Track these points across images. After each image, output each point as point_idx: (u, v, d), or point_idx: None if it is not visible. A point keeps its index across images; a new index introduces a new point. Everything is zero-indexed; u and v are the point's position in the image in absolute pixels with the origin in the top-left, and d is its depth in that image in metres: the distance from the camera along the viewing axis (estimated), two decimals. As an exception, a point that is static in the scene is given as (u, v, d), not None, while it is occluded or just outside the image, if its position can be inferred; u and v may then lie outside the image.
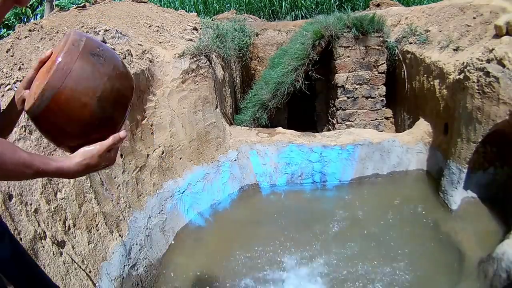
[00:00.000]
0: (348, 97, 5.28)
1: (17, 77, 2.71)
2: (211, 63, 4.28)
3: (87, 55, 0.98)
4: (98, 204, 2.96)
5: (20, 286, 1.54)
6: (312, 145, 4.57)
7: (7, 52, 2.94)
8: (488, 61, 3.42)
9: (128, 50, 3.55)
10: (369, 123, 5.37)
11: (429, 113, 4.63)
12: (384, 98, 5.33)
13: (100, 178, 3.05)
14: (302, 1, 8.60)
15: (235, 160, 4.48)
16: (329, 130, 5.65)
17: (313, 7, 8.62)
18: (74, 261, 2.66)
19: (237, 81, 5.70)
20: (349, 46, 5.13)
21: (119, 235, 3.09)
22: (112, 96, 1.01)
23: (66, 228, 2.69)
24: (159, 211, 3.60)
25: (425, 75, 4.68)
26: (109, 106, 1.01)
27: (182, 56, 3.96)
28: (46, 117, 0.97)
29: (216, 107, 4.35)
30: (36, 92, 0.96)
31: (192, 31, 4.75)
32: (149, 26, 4.29)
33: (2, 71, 2.73)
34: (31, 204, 2.49)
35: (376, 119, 5.39)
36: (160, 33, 4.28)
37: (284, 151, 4.57)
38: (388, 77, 5.33)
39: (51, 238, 2.55)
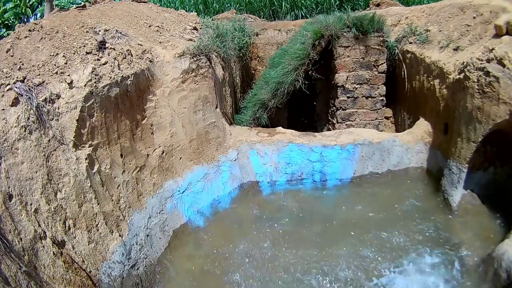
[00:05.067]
0: (348, 97, 5.28)
1: (17, 77, 2.71)
2: (211, 63, 4.28)
3: None
4: (98, 204, 2.96)
5: None
6: (312, 145, 4.57)
7: (7, 52, 2.94)
8: (488, 60, 3.41)
9: (128, 50, 3.55)
10: (369, 122, 5.37)
11: (429, 113, 4.63)
12: (384, 98, 5.33)
13: (100, 178, 3.05)
14: (302, 1, 8.60)
15: (235, 160, 4.48)
16: (329, 129, 5.65)
17: (313, 6, 8.61)
18: (74, 261, 2.66)
19: (237, 81, 5.70)
20: (349, 46, 5.13)
21: (119, 235, 3.09)
22: None
23: (66, 228, 2.70)
24: (159, 211, 3.61)
25: (425, 75, 4.68)
26: None
27: (182, 56, 3.96)
28: None
29: (216, 107, 4.35)
30: None
31: (192, 31, 4.75)
32: (149, 26, 4.29)
33: (2, 71, 2.73)
34: (31, 204, 2.49)
35: (376, 118, 5.39)
36: (160, 33, 4.28)
37: (284, 151, 4.57)
38: (388, 76, 5.32)
39: (51, 238, 2.55)
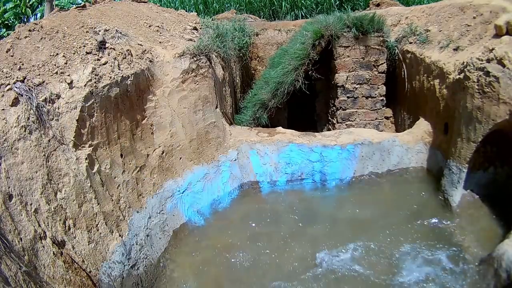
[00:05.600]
0: (348, 97, 5.28)
1: (17, 77, 2.71)
2: (211, 63, 4.28)
3: None
4: (98, 204, 2.96)
5: None
6: (312, 145, 4.57)
7: (7, 52, 2.94)
8: (488, 60, 3.41)
9: (128, 50, 3.55)
10: (369, 122, 5.37)
11: (429, 113, 4.63)
12: (384, 98, 5.33)
13: (100, 178, 3.05)
14: (302, 1, 8.60)
15: (235, 160, 4.48)
16: (329, 129, 5.65)
17: (313, 6, 8.62)
18: (74, 261, 2.66)
19: (237, 80, 5.70)
20: (349, 46, 5.13)
21: (119, 235, 3.09)
22: None
23: (66, 228, 2.70)
24: (159, 211, 3.60)
25: (425, 75, 4.68)
26: None
27: (182, 56, 3.96)
28: None
29: (216, 107, 4.35)
30: None
31: (192, 31, 4.75)
32: (149, 26, 4.29)
33: (2, 71, 2.73)
34: (31, 204, 2.49)
35: (376, 118, 5.39)
36: (160, 33, 4.28)
37: (284, 151, 4.57)
38: (388, 76, 5.32)
39: (51, 238, 2.55)
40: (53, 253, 2.52)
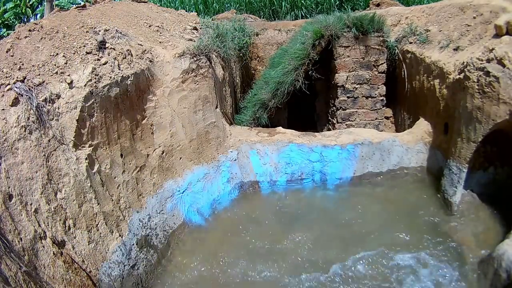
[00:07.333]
0: (348, 97, 5.28)
1: (17, 77, 2.71)
2: (211, 63, 4.28)
3: None
4: (98, 204, 2.96)
5: None
6: (312, 145, 4.57)
7: (7, 52, 2.94)
8: (488, 60, 3.41)
9: (128, 50, 3.55)
10: (369, 122, 5.37)
11: (429, 113, 4.63)
12: (384, 98, 5.33)
13: (100, 178, 3.05)
14: (302, 1, 8.60)
15: (235, 160, 4.48)
16: (329, 129, 5.65)
17: (313, 6, 8.62)
18: (74, 261, 2.66)
19: (237, 80, 5.70)
20: (349, 46, 5.13)
21: (119, 235, 3.09)
22: None
23: (66, 228, 2.70)
24: (159, 210, 3.60)
25: (425, 75, 4.68)
26: None
27: (182, 55, 3.96)
28: None
29: (216, 107, 4.35)
30: None
31: (192, 30, 4.75)
32: (149, 26, 4.29)
33: (2, 71, 2.73)
34: (31, 204, 2.49)
35: (376, 118, 5.39)
36: (160, 33, 4.28)
37: (284, 151, 4.57)
38: (388, 76, 5.32)
39: (51, 238, 2.55)
40: (53, 253, 2.53)
